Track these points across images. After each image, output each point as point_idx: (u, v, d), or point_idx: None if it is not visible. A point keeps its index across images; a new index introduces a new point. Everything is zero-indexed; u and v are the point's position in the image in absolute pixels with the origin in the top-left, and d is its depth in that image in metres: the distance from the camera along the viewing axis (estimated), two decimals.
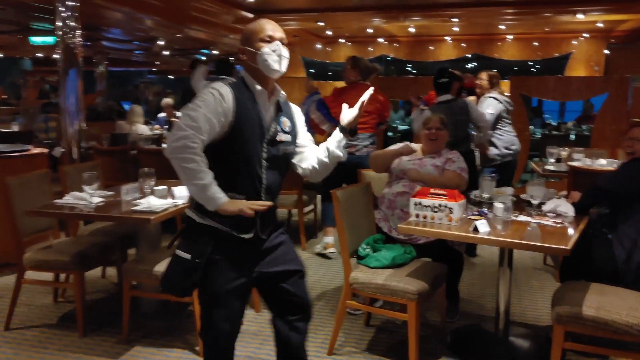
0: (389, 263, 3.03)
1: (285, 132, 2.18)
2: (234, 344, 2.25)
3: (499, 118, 5.09)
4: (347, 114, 2.27)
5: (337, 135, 2.26)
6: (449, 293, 3.48)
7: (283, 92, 2.20)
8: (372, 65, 4.83)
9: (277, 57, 2.07)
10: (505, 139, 5.13)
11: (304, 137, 2.31)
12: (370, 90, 2.29)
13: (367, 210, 3.34)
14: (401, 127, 11.60)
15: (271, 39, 2.08)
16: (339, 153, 2.25)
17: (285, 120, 2.19)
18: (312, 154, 2.29)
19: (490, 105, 5.07)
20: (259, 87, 2.10)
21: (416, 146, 3.77)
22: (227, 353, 2.24)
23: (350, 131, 2.26)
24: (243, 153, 2.06)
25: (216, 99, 2.00)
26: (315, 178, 2.34)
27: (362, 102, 2.24)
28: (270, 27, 2.10)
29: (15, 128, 8.66)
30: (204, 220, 2.07)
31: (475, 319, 3.60)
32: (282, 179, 2.22)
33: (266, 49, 2.06)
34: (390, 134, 11.13)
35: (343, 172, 5.02)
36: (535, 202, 3.04)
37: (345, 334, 3.32)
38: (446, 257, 3.38)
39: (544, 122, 12.79)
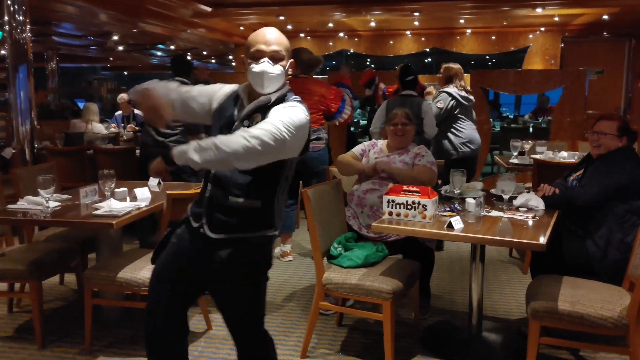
0: (362, 262, 2.97)
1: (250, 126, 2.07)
2: (168, 344, 2.14)
3: (451, 113, 5.04)
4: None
5: None
6: (421, 290, 3.45)
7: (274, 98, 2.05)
8: (314, 57, 4.65)
9: (259, 78, 1.98)
10: (463, 135, 5.07)
11: None
12: None
13: (338, 208, 3.28)
14: (363, 122, 11.61)
15: (260, 55, 1.98)
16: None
17: (257, 116, 2.08)
18: None
19: (440, 100, 5.04)
20: (241, 87, 2.10)
21: (381, 143, 3.72)
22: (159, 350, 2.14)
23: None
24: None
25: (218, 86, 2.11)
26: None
27: None
28: (262, 40, 1.99)
29: None
30: None
31: (447, 314, 3.59)
32: (245, 175, 1.99)
33: (253, 65, 1.98)
34: (352, 128, 11.11)
35: (297, 172, 4.87)
36: (506, 196, 3.03)
37: (317, 335, 3.25)
38: (417, 253, 3.35)
39: (501, 115, 13.03)
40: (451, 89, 5.05)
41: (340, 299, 3.24)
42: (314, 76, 4.81)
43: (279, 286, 4.09)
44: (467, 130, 5.10)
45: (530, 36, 10.11)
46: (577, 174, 3.29)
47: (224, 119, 2.08)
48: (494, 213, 2.92)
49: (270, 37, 2.01)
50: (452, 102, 5.00)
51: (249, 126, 1.99)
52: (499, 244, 2.58)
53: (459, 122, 5.09)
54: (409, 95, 4.92)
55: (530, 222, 2.78)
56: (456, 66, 5.21)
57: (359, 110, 12.57)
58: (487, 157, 7.96)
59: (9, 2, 4.93)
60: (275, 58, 1.99)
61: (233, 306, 2.07)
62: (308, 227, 3.03)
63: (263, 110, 2.01)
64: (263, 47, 1.98)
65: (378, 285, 2.79)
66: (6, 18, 4.94)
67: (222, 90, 2.15)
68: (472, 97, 5.20)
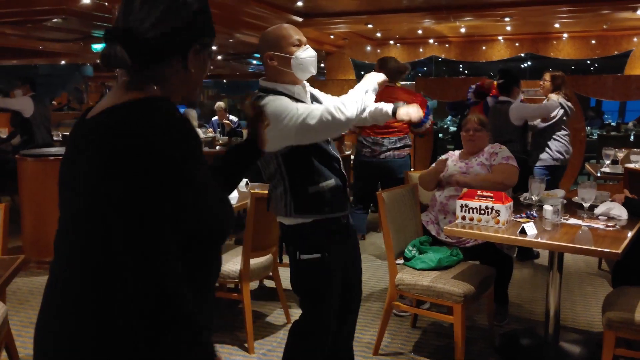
0: (435, 265, 3.03)
1: None
2: None
3: (557, 123, 4.92)
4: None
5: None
6: (498, 296, 3.44)
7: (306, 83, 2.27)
8: (401, 65, 4.73)
9: (310, 59, 2.15)
10: (559, 144, 4.97)
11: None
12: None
13: (413, 212, 3.35)
14: (452, 129, 11.48)
15: (300, 43, 2.15)
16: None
17: None
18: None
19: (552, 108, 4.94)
20: (295, 87, 2.18)
21: (457, 152, 3.73)
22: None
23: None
24: (315, 143, 2.16)
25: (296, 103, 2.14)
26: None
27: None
28: (296, 32, 2.18)
29: None
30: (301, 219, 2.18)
31: (525, 323, 3.55)
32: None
33: (299, 52, 2.13)
34: (440, 135, 11.02)
35: (367, 175, 5.09)
36: (586, 204, 2.98)
37: (391, 335, 3.34)
38: (495, 260, 3.34)
39: (603, 122, 12.37)
40: (561, 99, 4.94)
41: (415, 301, 3.31)
42: (401, 83, 4.93)
43: None
44: (563, 140, 4.99)
45: (635, 39, 9.54)
46: None
47: None
48: (572, 221, 2.88)
49: (297, 29, 2.19)
50: (561, 111, 4.90)
51: None
52: (572, 251, 2.55)
53: (559, 131, 4.97)
54: (506, 102, 4.88)
55: (611, 231, 2.72)
56: (560, 74, 5.09)
57: (449, 117, 12.46)
58: (582, 166, 7.63)
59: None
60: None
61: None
62: (380, 230, 3.13)
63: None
64: (300, 36, 2.16)
65: (449, 287, 2.84)
66: None
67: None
68: (574, 108, 5.09)
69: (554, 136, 4.94)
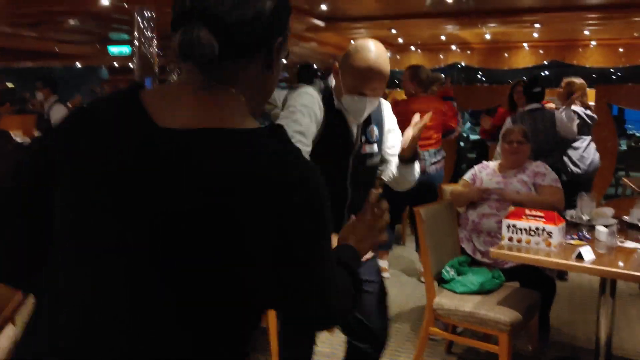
0: (477, 289, 2.81)
1: (371, 142, 2.02)
2: None
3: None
4: (403, 140, 2.04)
5: (400, 166, 2.10)
6: (541, 321, 3.20)
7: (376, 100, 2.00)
8: (433, 75, 4.53)
9: (356, 109, 1.92)
10: (583, 155, 4.73)
11: (391, 141, 2.11)
12: (427, 117, 2.01)
13: (451, 229, 3.13)
14: (472, 137, 11.22)
15: (362, 95, 1.89)
16: (408, 179, 2.10)
17: (372, 129, 2.04)
18: (396, 161, 2.11)
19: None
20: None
21: (493, 164, 3.50)
22: None
23: (408, 159, 2.05)
24: (328, 167, 1.91)
25: (314, 102, 1.88)
26: (397, 187, 2.17)
27: (419, 127, 1.97)
28: (369, 83, 1.87)
29: None
30: None
31: (568, 350, 3.31)
32: (366, 194, 2.04)
33: (349, 98, 1.90)
34: (462, 143, 10.78)
35: (404, 195, 4.77)
36: None
37: None
38: (536, 282, 3.11)
39: (626, 132, 12.07)
40: (577, 107, 4.70)
41: (450, 325, 3.08)
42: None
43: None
44: (587, 150, 4.75)
45: None
46: None
47: (342, 141, 1.99)
48: (629, 244, 2.64)
49: (380, 78, 1.88)
50: (578, 121, 4.66)
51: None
52: (634, 279, 2.32)
53: (580, 141, 4.74)
54: (538, 109, 4.62)
55: None
56: (579, 81, 4.85)
57: (468, 124, 12.21)
58: (613, 177, 7.37)
59: (139, 19, 5.28)
60: (373, 95, 1.93)
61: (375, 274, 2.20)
62: (418, 248, 2.92)
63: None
64: (370, 90, 1.88)
65: (494, 315, 2.61)
66: (136, 34, 5.29)
67: (318, 107, 1.94)
68: (595, 116, 4.84)
69: (572, 148, 4.72)
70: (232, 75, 0.90)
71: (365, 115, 1.95)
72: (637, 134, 11.79)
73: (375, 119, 2.06)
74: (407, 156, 2.03)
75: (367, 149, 2.01)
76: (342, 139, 1.96)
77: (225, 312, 0.83)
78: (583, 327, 3.62)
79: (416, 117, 1.98)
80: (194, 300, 0.80)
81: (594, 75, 13.63)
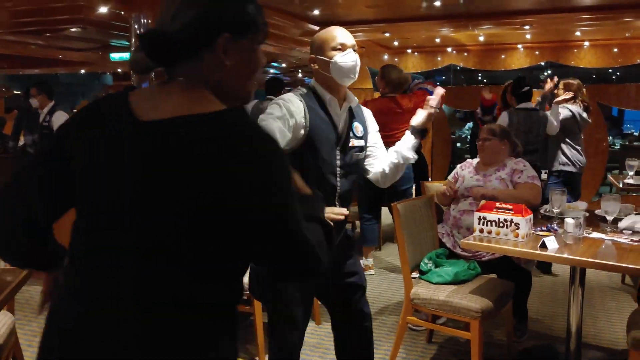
0: (452, 279, 2.94)
1: (358, 138, 2.20)
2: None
3: (565, 130, 4.81)
4: (418, 115, 2.26)
5: (408, 137, 2.26)
6: (517, 311, 3.33)
7: (355, 98, 2.21)
8: (403, 77, 4.60)
9: (349, 65, 2.07)
10: (569, 153, 4.87)
11: (374, 140, 2.31)
12: (439, 91, 2.31)
13: (429, 224, 3.27)
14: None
15: (343, 47, 2.08)
16: (409, 155, 2.25)
17: (357, 126, 2.22)
18: (382, 158, 2.29)
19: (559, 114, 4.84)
20: (329, 96, 2.12)
21: (475, 161, 3.63)
22: None
23: (420, 132, 2.25)
24: (317, 162, 2.08)
25: (282, 111, 2.02)
26: (384, 183, 2.33)
27: (436, 103, 2.24)
28: (341, 35, 2.10)
29: None
30: None
31: (544, 340, 3.44)
32: (353, 186, 2.23)
33: (339, 57, 2.06)
34: (459, 144, 10.89)
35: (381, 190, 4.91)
36: (609, 217, 2.87)
37: (406, 350, 3.25)
38: (512, 274, 3.24)
39: (622, 132, 12.13)
40: (574, 106, 4.82)
41: (431, 315, 3.22)
42: None
43: (371, 300, 4.12)
44: (573, 149, 4.86)
45: None
46: None
47: (329, 137, 2.12)
48: (595, 235, 2.77)
49: (346, 32, 2.11)
50: (571, 119, 4.78)
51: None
52: (594, 266, 2.45)
53: (568, 139, 4.85)
54: (532, 109, 4.75)
55: (636, 245, 2.61)
56: (576, 82, 4.97)
57: (468, 125, 12.31)
58: (604, 176, 7.46)
59: (136, 27, 5.45)
60: (354, 50, 2.10)
61: (359, 277, 2.39)
62: (397, 241, 3.05)
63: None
64: (344, 40, 2.08)
65: (466, 303, 2.74)
66: (133, 41, 5.46)
67: (292, 112, 2.04)
68: (589, 120, 4.97)
69: (563, 144, 4.85)
70: (192, 71, 1.11)
71: (357, 69, 2.10)
72: (635, 133, 11.85)
73: (359, 118, 2.24)
74: (419, 128, 2.25)
75: (354, 142, 2.19)
76: (328, 133, 2.12)
77: (217, 258, 1.07)
78: (562, 319, 3.73)
79: (440, 90, 2.32)
80: (188, 247, 1.03)
81: (594, 76, 13.68)
